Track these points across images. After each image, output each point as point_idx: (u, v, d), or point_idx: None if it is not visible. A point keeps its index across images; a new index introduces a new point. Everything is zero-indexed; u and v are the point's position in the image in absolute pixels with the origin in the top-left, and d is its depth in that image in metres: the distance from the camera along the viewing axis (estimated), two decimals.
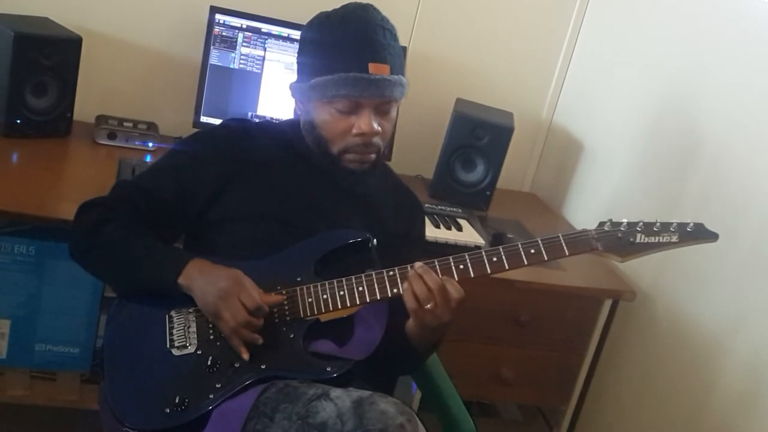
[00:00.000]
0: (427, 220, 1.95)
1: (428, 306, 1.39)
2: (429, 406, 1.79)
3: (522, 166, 2.90)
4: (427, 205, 2.24)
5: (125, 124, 2.33)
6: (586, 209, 2.62)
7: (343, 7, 1.55)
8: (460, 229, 2.25)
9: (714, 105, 2.13)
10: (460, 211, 2.37)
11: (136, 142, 2.31)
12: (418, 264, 1.42)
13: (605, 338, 2.27)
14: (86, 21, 2.36)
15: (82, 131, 2.31)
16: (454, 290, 1.40)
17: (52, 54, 2.14)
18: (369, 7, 1.55)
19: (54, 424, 2.18)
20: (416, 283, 1.40)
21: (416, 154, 2.65)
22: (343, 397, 1.27)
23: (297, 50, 1.61)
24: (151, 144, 2.32)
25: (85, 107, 2.34)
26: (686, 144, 2.21)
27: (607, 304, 2.22)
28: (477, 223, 2.33)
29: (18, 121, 2.15)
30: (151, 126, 2.37)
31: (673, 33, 2.34)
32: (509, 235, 2.27)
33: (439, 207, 2.35)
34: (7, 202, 1.81)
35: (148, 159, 2.23)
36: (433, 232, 2.15)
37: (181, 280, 1.43)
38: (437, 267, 1.43)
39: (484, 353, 2.21)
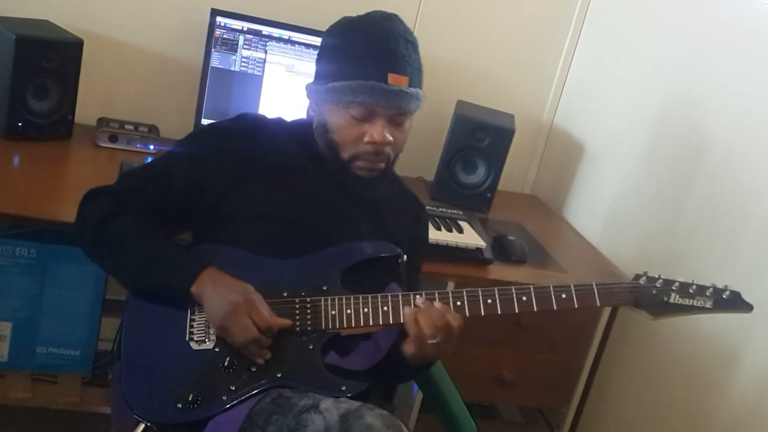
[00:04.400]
0: None
1: (432, 341, 1.40)
2: (430, 407, 1.79)
3: (523, 168, 2.90)
4: (428, 207, 2.22)
5: (126, 126, 2.33)
6: (588, 211, 2.61)
7: (368, 14, 1.54)
8: (461, 231, 2.24)
9: (715, 107, 2.13)
10: (461, 213, 2.36)
11: (138, 145, 2.31)
12: (419, 300, 1.43)
13: (606, 340, 2.27)
14: (87, 24, 2.36)
15: (83, 134, 2.31)
16: (453, 319, 1.41)
17: (53, 57, 2.14)
18: (394, 18, 1.54)
19: (55, 427, 2.18)
20: (422, 316, 1.41)
21: (417, 155, 2.63)
22: (331, 410, 1.28)
23: (317, 52, 1.59)
24: (152, 146, 2.32)
25: (87, 110, 2.34)
26: (687, 146, 2.21)
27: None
28: (478, 225, 2.32)
29: (19, 124, 2.15)
30: (153, 129, 2.37)
31: (673, 35, 2.34)
32: (510, 237, 2.27)
33: (440, 209, 2.35)
34: (8, 205, 1.81)
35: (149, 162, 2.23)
36: (434, 234, 2.14)
37: (194, 289, 1.41)
38: (466, 301, 1.45)
39: (485, 355, 2.21)
